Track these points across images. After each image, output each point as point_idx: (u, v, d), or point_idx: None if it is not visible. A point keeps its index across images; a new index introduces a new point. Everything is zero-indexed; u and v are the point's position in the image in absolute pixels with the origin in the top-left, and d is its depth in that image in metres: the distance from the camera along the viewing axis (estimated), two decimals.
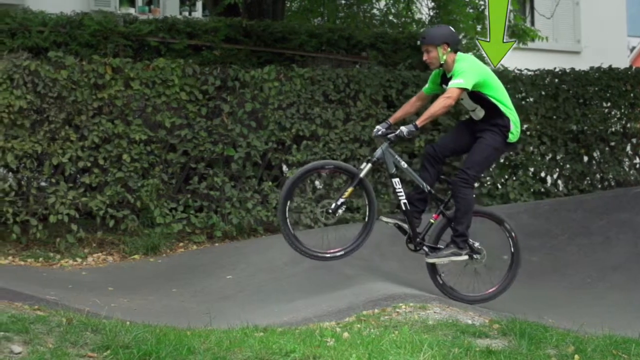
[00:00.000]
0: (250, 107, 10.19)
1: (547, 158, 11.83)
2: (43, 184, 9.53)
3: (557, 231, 9.57)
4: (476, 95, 7.01)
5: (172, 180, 10.02)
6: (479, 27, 15.08)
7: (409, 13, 15.26)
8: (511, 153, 11.52)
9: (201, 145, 10.00)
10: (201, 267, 8.73)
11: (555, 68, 12.15)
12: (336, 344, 5.30)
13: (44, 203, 9.32)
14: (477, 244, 7.21)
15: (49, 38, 10.83)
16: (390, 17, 15.28)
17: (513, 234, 7.38)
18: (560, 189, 11.89)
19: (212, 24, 11.83)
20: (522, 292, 8.02)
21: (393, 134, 6.93)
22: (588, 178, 12.04)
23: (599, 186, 12.11)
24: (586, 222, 9.83)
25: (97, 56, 9.91)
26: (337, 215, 6.95)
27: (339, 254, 6.96)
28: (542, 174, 11.85)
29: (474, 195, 7.14)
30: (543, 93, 11.86)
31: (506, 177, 11.57)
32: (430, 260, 7.09)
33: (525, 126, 11.64)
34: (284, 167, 10.49)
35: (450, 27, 7.27)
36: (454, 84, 6.86)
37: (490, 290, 7.29)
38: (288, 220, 6.87)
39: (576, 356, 5.44)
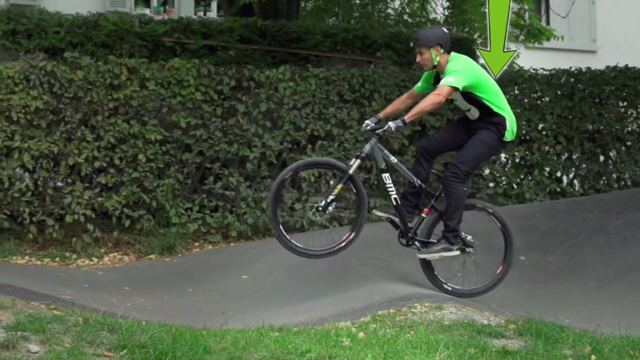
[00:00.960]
0: (265, 107, 10.19)
1: (563, 158, 11.79)
2: (59, 184, 9.56)
3: (573, 231, 9.53)
4: (469, 97, 7.01)
5: (188, 180, 10.04)
6: None
7: (424, 12, 15.23)
8: (526, 152, 11.49)
9: (216, 145, 10.01)
10: (216, 267, 8.74)
11: (571, 67, 12.11)
12: (352, 344, 5.30)
13: (60, 203, 9.35)
14: (469, 237, 7.21)
15: (65, 39, 10.88)
16: (405, 17, 15.26)
17: (496, 213, 7.43)
18: (577, 188, 11.85)
19: (227, 24, 11.84)
20: (538, 292, 8.01)
21: (381, 129, 6.96)
22: (604, 178, 12.00)
23: (616, 186, 12.06)
24: (603, 222, 9.79)
25: (112, 57, 9.94)
26: (327, 212, 6.97)
27: (352, 236, 6.99)
28: (558, 174, 11.81)
29: (465, 189, 7.13)
30: (559, 92, 11.82)
31: (522, 176, 11.54)
32: (422, 256, 7.10)
33: (540, 126, 11.63)
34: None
35: (444, 29, 7.28)
36: (445, 81, 6.87)
37: (498, 272, 7.31)
38: (285, 234, 6.97)
39: (593, 357, 5.42)
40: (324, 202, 6.92)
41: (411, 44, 7.21)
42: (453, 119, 10.71)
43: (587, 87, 11.93)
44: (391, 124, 6.87)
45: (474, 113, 7.09)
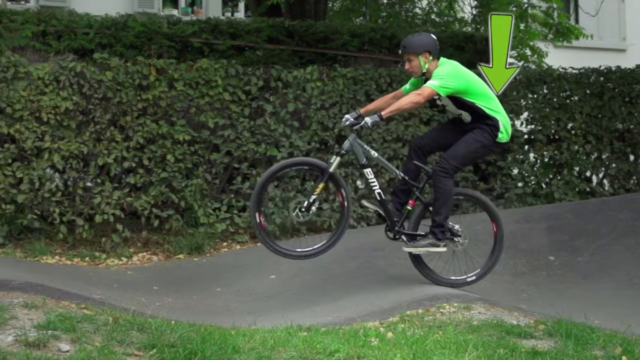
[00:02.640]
0: (293, 107, 10.21)
1: (593, 157, 11.71)
2: (89, 184, 9.63)
3: (603, 231, 9.46)
4: (460, 102, 7.00)
5: (216, 180, 10.07)
6: (522, 26, 14.99)
7: (452, 12, 15.21)
8: (555, 152, 11.42)
9: (244, 146, 10.04)
10: (245, 267, 8.77)
11: (600, 66, 12.01)
12: (380, 344, 5.30)
13: (90, 203, 9.42)
14: (457, 227, 7.22)
15: (94, 40, 10.95)
16: (433, 16, 15.24)
17: (475, 194, 7.56)
18: (606, 188, 11.76)
19: (255, 25, 11.87)
20: (568, 292, 7.96)
21: (358, 125, 6.97)
22: (634, 177, 11.89)
23: None
24: (633, 222, 9.70)
25: (141, 57, 9.98)
26: (310, 212, 7.01)
27: (336, 236, 7.09)
28: (588, 174, 11.72)
29: (454, 181, 7.17)
30: (588, 92, 11.73)
31: (551, 176, 11.48)
32: (408, 249, 7.11)
33: (570, 125, 11.55)
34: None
35: (432, 35, 7.21)
36: (429, 83, 6.90)
37: (495, 231, 7.35)
38: (271, 239, 7.07)
39: (624, 357, 5.38)
40: (306, 202, 6.97)
41: (399, 52, 7.19)
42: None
43: (617, 86, 11.83)
44: (368, 119, 6.90)
45: (466, 117, 7.09)
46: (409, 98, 6.93)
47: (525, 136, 11.47)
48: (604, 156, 11.74)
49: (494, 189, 11.03)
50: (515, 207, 10.83)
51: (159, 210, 9.65)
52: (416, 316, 6.15)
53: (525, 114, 11.53)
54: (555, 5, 15.11)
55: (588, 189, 11.54)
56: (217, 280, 8.33)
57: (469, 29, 14.78)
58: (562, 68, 11.89)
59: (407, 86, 7.33)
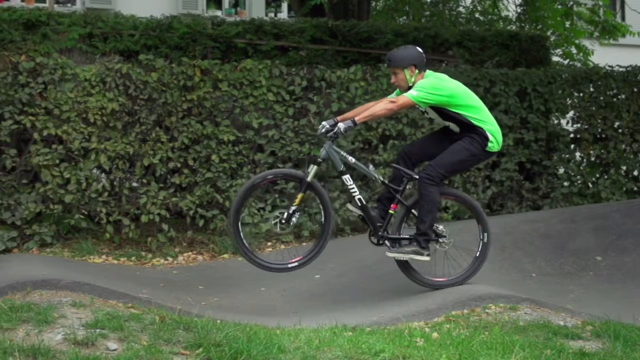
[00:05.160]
0: (337, 107, 10.20)
1: None
2: (135, 184, 9.71)
3: None
4: (445, 113, 6.94)
5: None
6: (567, 24, 14.87)
7: (496, 10, 15.12)
8: (602, 151, 11.29)
9: (288, 146, 10.06)
10: None
11: None
12: (426, 344, 5.29)
13: (136, 203, 9.50)
14: (440, 227, 7.15)
15: (140, 41, 11.06)
16: (477, 15, 15.18)
17: (462, 195, 7.51)
18: None
19: (298, 25, 11.90)
20: (615, 293, 7.87)
21: (332, 132, 6.93)
22: None
23: None
24: None
25: (186, 58, 10.05)
26: (290, 224, 6.97)
27: (320, 244, 7.11)
28: (635, 173, 11.57)
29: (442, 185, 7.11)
30: (635, 90, 11.58)
31: (597, 175, 11.35)
32: (391, 255, 7.04)
33: (617, 124, 11.42)
34: (370, 167, 10.48)
35: (418, 48, 7.14)
36: (407, 93, 6.86)
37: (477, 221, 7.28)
38: (252, 251, 7.12)
39: None
40: (286, 214, 6.95)
41: (385, 65, 7.14)
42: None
43: None
44: (341, 124, 6.87)
45: (455, 128, 7.04)
46: (383, 105, 6.93)
47: (571, 135, 11.36)
48: None
49: (540, 189, 10.94)
50: (562, 206, 10.74)
51: (204, 210, 9.71)
52: (462, 316, 6.13)
53: (571, 113, 11.42)
54: (601, 3, 14.96)
55: (635, 188, 11.39)
56: (262, 279, 8.36)
57: (514, 27, 14.69)
58: (609, 66, 11.75)
59: (392, 95, 7.30)
